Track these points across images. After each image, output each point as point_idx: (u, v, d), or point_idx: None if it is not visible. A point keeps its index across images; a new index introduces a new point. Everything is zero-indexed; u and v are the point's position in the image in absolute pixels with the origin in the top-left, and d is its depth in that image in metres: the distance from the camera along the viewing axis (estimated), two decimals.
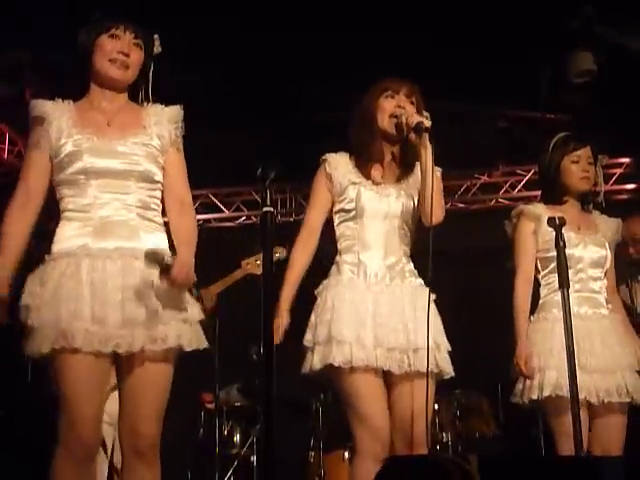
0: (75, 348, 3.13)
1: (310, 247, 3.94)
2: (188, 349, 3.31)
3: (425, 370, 3.64)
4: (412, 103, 3.87)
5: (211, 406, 6.96)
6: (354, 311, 3.71)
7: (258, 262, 5.45)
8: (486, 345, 6.57)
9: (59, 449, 3.19)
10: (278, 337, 3.72)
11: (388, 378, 3.75)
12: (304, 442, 6.70)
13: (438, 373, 3.77)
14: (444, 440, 6.50)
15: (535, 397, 4.20)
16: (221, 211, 9.04)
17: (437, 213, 3.75)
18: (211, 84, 6.82)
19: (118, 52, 3.40)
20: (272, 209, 2.92)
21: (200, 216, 9.04)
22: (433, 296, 3.79)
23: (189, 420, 7.13)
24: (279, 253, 5.38)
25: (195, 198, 8.84)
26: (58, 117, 3.38)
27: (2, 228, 3.35)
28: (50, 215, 3.44)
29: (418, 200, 3.87)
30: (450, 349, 3.82)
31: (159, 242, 3.40)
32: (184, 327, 3.31)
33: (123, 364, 3.29)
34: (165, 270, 3.24)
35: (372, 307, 3.72)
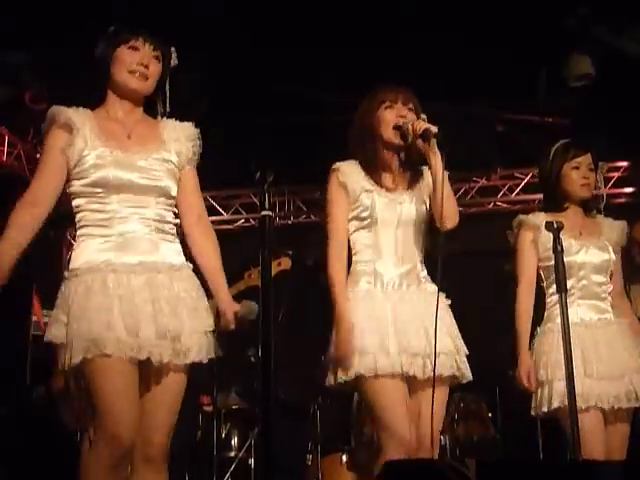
0: (106, 354, 3.15)
1: (345, 259, 3.90)
2: (205, 361, 3.38)
3: (445, 375, 3.71)
4: (411, 110, 3.88)
5: (209, 408, 6.95)
6: (375, 321, 3.73)
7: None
8: (484, 349, 6.56)
9: (92, 454, 3.21)
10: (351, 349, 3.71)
11: (410, 383, 3.75)
12: (302, 445, 6.69)
13: (459, 377, 3.81)
14: (442, 443, 6.49)
15: (546, 410, 4.19)
16: (220, 214, 9.03)
17: (452, 217, 3.77)
18: (210, 86, 6.82)
19: (138, 64, 3.42)
20: (271, 213, 2.93)
21: None
22: (448, 301, 3.85)
23: (187, 422, 7.12)
24: (284, 265, 5.39)
25: None
26: (82, 126, 3.38)
27: (8, 221, 3.34)
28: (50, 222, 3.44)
29: (431, 205, 3.89)
30: (468, 353, 3.85)
31: (177, 254, 3.46)
32: (204, 340, 3.37)
33: (146, 375, 3.32)
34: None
35: (392, 315, 3.74)
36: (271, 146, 6.84)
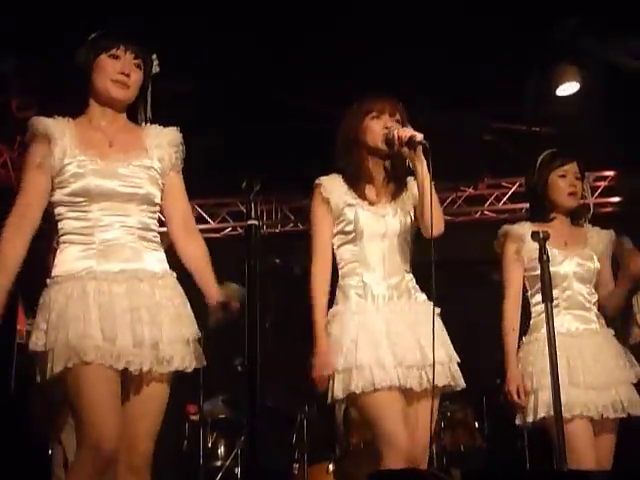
0: (86, 362, 3.13)
1: (328, 273, 3.89)
2: (189, 370, 3.35)
3: (441, 385, 3.71)
4: (397, 121, 3.88)
5: (196, 417, 6.94)
6: (368, 335, 3.71)
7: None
8: (471, 358, 6.57)
9: (76, 464, 3.21)
10: (329, 367, 3.73)
11: (405, 396, 3.74)
12: (289, 454, 6.68)
13: (453, 386, 3.81)
14: (429, 453, 6.49)
15: (532, 420, 4.19)
16: (207, 222, 9.02)
17: (438, 225, 3.75)
18: (199, 96, 6.82)
19: (119, 72, 3.41)
20: (257, 222, 2.93)
21: None
22: (438, 310, 3.83)
23: (174, 431, 7.11)
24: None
25: None
26: (61, 136, 3.36)
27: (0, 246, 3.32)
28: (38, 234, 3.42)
29: (416, 214, 3.89)
30: (459, 360, 3.85)
31: (160, 262, 3.44)
32: (187, 349, 3.35)
33: (127, 383, 3.30)
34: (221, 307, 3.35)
35: (385, 327, 3.73)
36: (258, 155, 6.84)
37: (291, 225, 9.06)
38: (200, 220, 9.03)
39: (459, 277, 7.65)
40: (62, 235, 3.36)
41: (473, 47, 6.42)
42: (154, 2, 5.76)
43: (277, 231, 9.01)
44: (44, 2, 5.78)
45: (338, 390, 3.71)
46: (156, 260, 3.42)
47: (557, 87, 7.08)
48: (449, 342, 3.85)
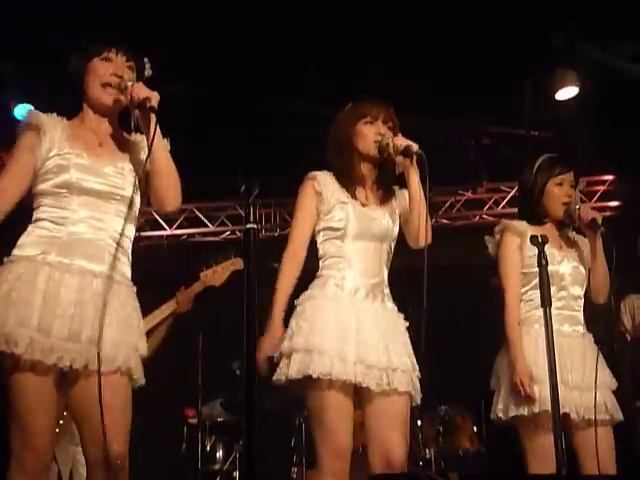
0: (17, 355, 3.10)
1: (299, 264, 3.89)
2: (134, 377, 3.30)
3: (402, 389, 3.66)
4: (390, 128, 3.89)
5: (194, 421, 6.93)
6: (337, 324, 3.69)
7: (216, 273, 5.41)
8: (470, 362, 6.58)
9: (13, 460, 3.17)
10: (274, 349, 3.72)
11: (363, 395, 3.72)
12: (287, 458, 6.68)
13: (413, 395, 3.75)
14: (427, 456, 6.49)
15: (513, 414, 4.19)
16: (205, 226, 9.03)
17: (428, 236, 3.77)
18: (197, 99, 6.83)
19: (112, 74, 3.41)
20: (255, 226, 2.92)
21: (184, 230, 9.05)
22: (407, 323, 3.84)
23: (172, 435, 7.11)
24: (237, 265, 5.36)
25: (179, 213, 8.89)
26: (51, 130, 3.38)
27: None
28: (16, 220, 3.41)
29: (402, 223, 3.91)
30: (424, 369, 3.80)
31: (123, 269, 3.40)
32: (133, 354, 3.31)
33: (70, 381, 3.27)
34: None
35: (355, 323, 3.70)
36: (257, 159, 6.84)
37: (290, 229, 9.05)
38: (198, 223, 9.05)
39: (457, 281, 7.65)
40: (34, 221, 3.35)
41: (471, 51, 6.43)
42: (146, 7, 5.77)
43: (276, 235, 9.01)
44: (41, 4, 5.80)
45: (293, 370, 3.65)
46: (120, 265, 3.37)
47: (556, 91, 7.09)
48: (412, 353, 3.79)
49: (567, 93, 7.11)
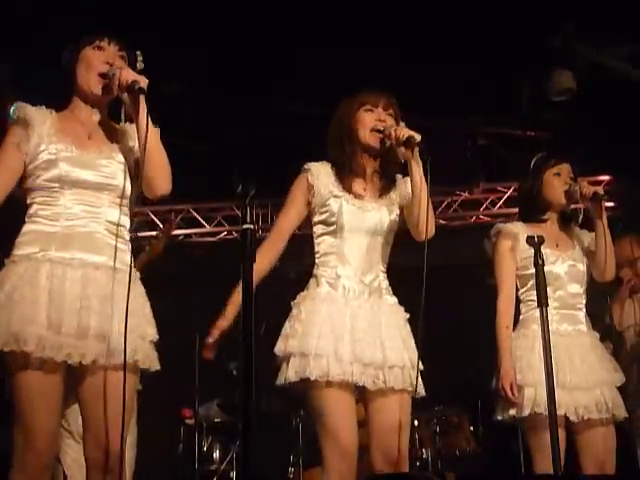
0: (26, 353, 3.09)
1: (275, 251, 3.90)
2: (142, 367, 3.29)
3: (398, 388, 3.65)
4: (390, 115, 3.86)
5: (191, 421, 6.94)
6: (331, 325, 3.67)
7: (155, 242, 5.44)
8: (466, 362, 6.58)
9: (15, 461, 3.16)
10: (213, 338, 3.76)
11: (363, 394, 3.72)
12: (284, 458, 6.68)
13: (411, 392, 3.72)
14: (424, 456, 6.50)
15: (514, 414, 4.21)
16: (202, 226, 9.03)
17: (430, 228, 3.70)
18: (193, 99, 6.83)
19: (104, 62, 3.39)
20: (252, 226, 2.92)
21: (181, 231, 9.05)
22: (407, 315, 3.81)
23: (169, 435, 7.11)
24: (157, 249, 5.37)
25: (176, 213, 8.89)
26: (40, 124, 3.36)
27: None
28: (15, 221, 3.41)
29: (404, 215, 3.87)
30: (423, 369, 3.77)
31: (122, 256, 3.38)
32: (141, 344, 3.28)
33: (79, 377, 3.26)
34: None
35: (350, 322, 3.68)
36: (253, 159, 6.84)
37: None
38: (195, 224, 9.05)
39: (454, 281, 7.65)
40: (29, 217, 3.34)
41: (468, 52, 6.43)
42: (142, 4, 5.78)
43: None
44: (35, 5, 5.80)
45: (291, 373, 3.65)
46: (120, 255, 3.36)
47: (553, 92, 7.09)
48: (414, 348, 3.76)
49: (564, 94, 7.11)
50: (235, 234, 8.92)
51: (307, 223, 3.95)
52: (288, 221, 3.90)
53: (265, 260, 3.80)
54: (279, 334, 3.79)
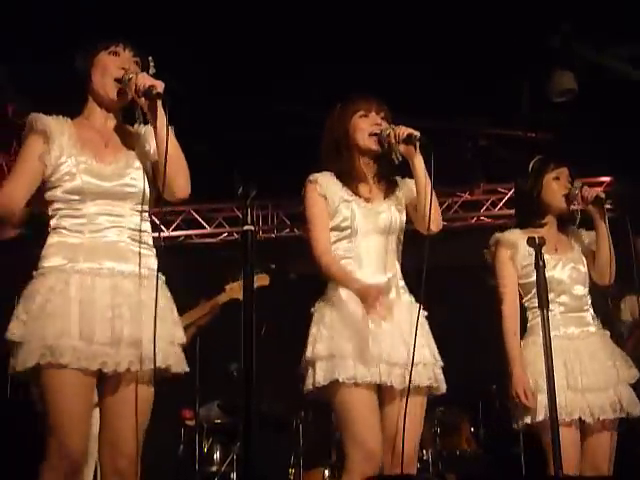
0: (62, 364, 3.11)
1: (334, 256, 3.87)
2: (173, 371, 3.31)
3: (423, 385, 3.69)
4: (383, 118, 3.89)
5: (191, 423, 6.94)
6: (355, 327, 3.69)
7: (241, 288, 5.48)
8: (467, 364, 6.58)
9: (46, 465, 3.16)
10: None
11: (383, 394, 3.73)
12: (284, 459, 6.68)
13: (436, 387, 3.77)
14: (424, 458, 6.49)
15: (529, 422, 4.19)
16: (203, 227, 9.03)
17: (436, 220, 3.78)
18: (194, 100, 6.82)
19: (119, 68, 3.40)
20: (253, 228, 2.93)
21: (181, 232, 9.05)
22: (426, 312, 3.81)
23: (169, 437, 7.10)
24: (261, 282, 5.38)
25: (177, 214, 8.90)
26: (59, 135, 3.36)
27: None
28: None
29: (410, 212, 3.91)
30: (443, 365, 3.82)
31: (148, 262, 3.40)
32: (171, 349, 3.31)
33: (106, 383, 3.28)
34: None
35: (372, 323, 3.69)
36: (254, 160, 6.84)
37: (287, 231, 9.08)
38: (196, 225, 9.05)
39: (455, 282, 7.65)
40: (53, 229, 3.35)
41: (468, 54, 6.43)
42: (146, 5, 5.79)
43: (273, 236, 9.02)
44: (34, 6, 5.81)
45: (320, 377, 3.67)
46: (145, 261, 3.39)
47: (553, 93, 7.09)
48: (434, 344, 3.81)
49: (564, 95, 7.11)
50: (236, 235, 8.93)
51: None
52: (325, 227, 3.86)
53: (335, 258, 3.82)
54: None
